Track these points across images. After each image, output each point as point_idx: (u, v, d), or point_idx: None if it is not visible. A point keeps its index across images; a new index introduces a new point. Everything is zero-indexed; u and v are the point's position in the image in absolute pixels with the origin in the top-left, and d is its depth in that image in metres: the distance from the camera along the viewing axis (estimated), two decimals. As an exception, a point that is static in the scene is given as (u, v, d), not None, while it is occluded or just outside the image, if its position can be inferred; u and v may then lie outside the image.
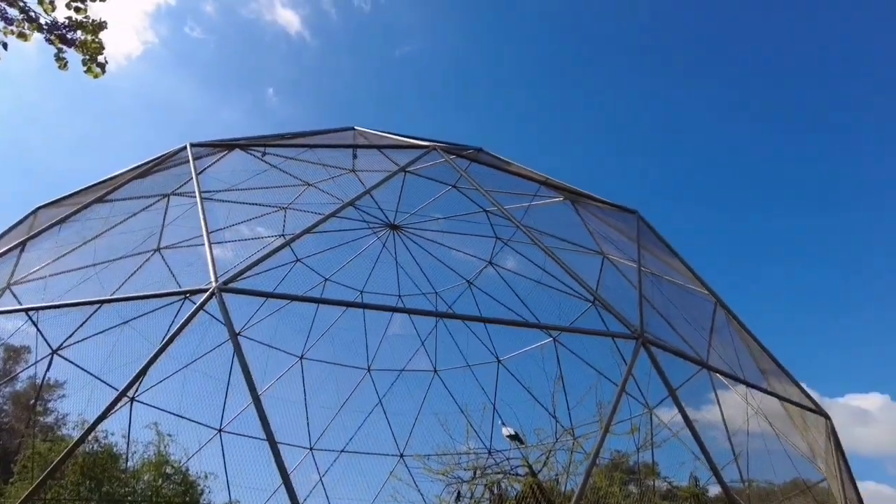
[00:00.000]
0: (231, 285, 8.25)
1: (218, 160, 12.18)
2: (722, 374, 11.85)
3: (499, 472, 9.53)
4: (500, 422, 12.43)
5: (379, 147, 10.95)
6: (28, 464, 10.86)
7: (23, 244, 12.26)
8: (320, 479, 18.80)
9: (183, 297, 10.50)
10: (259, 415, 7.75)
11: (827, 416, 12.33)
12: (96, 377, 16.53)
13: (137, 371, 8.72)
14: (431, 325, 20.18)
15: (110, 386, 16.30)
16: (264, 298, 15.29)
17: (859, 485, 12.57)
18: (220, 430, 18.82)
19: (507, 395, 19.25)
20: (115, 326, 15.69)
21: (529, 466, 9.42)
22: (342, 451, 20.25)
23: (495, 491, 9.41)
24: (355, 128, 13.58)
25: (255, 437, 18.14)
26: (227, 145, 11.77)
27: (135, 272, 15.02)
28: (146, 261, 15.36)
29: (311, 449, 18.90)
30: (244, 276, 8.64)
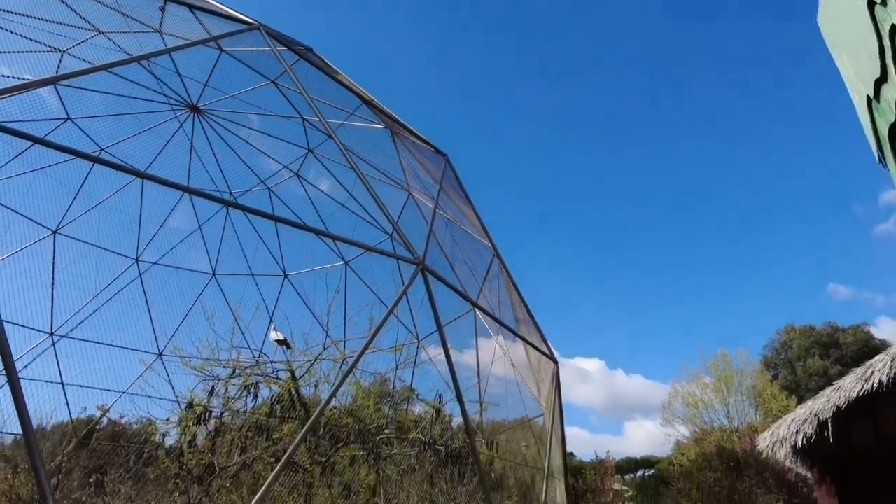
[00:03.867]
0: None
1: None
2: (486, 313, 13.30)
3: (258, 374, 9.56)
4: (272, 327, 12.36)
5: (193, 6, 9.55)
6: None
7: None
8: (58, 370, 16.72)
9: None
10: None
11: (556, 361, 14.80)
12: None
13: None
14: (219, 225, 18.89)
15: None
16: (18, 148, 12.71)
17: (569, 427, 15.47)
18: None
19: (286, 303, 19.17)
20: None
21: (292, 372, 9.62)
22: (93, 341, 18.26)
23: (252, 391, 9.45)
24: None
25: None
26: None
27: None
28: None
29: (51, 335, 16.65)
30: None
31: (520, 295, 14.84)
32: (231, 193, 19.00)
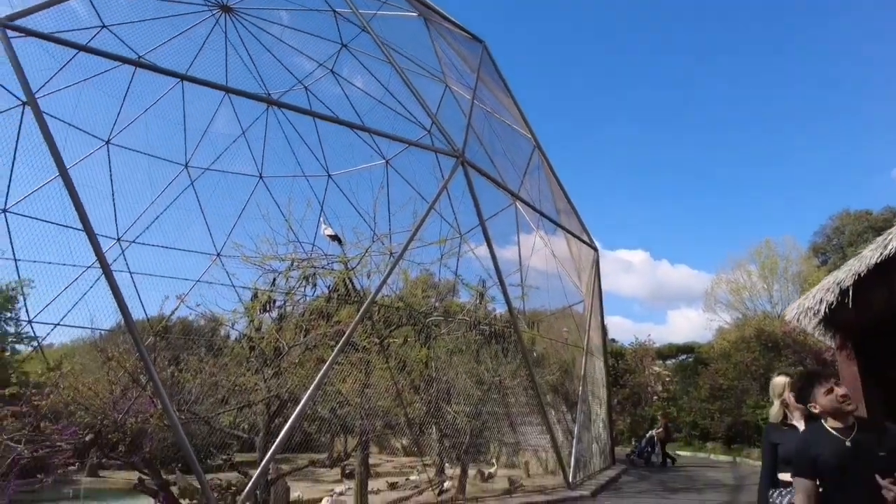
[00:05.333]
0: (18, 22, 6.81)
1: None
2: (527, 204, 13.47)
3: (315, 266, 10.23)
4: (323, 222, 12.95)
5: None
6: None
7: None
8: (129, 272, 18.09)
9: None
10: (73, 199, 7.13)
11: (596, 249, 15.07)
12: None
13: None
14: (261, 129, 19.16)
15: None
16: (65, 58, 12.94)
17: (611, 317, 16.01)
18: (3, 211, 16.74)
19: (334, 201, 19.82)
20: None
21: (345, 264, 10.24)
22: (155, 245, 19.52)
23: (310, 281, 10.18)
24: None
25: (47, 221, 16.52)
26: None
27: None
28: None
29: (118, 240, 17.88)
30: (32, 14, 7.17)
31: (560, 185, 14.83)
32: (269, 94, 19.04)
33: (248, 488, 7.72)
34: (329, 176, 20.12)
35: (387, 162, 18.37)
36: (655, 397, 22.84)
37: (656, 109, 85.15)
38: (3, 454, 7.08)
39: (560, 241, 14.98)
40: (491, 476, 13.53)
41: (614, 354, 23.94)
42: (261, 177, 20.53)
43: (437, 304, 12.11)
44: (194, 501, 7.85)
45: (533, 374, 10.66)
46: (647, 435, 18.56)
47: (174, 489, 8.11)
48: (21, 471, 7.23)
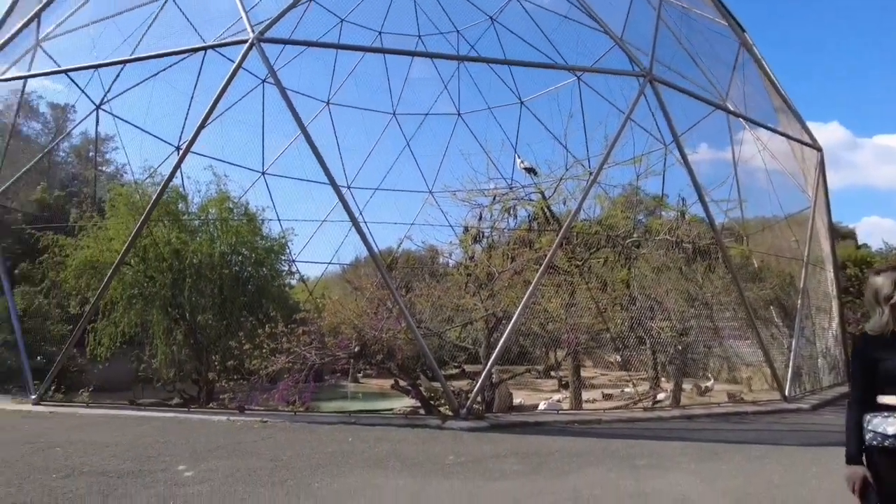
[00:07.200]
0: (267, 34, 8.68)
1: None
2: (734, 114, 12.39)
3: (514, 199, 11.10)
4: (517, 157, 13.63)
5: None
6: (115, 203, 12.73)
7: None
8: (360, 213, 21.08)
9: (210, 48, 10.92)
10: (316, 157, 8.95)
11: (819, 149, 13.20)
12: (141, 129, 17.90)
13: (197, 127, 9.83)
14: (454, 68, 20.21)
15: (156, 137, 17.79)
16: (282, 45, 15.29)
17: (865, 218, 14.05)
18: (263, 173, 20.82)
19: (527, 134, 20.33)
20: (147, 79, 16.36)
21: (542, 193, 10.90)
22: (376, 188, 22.45)
23: (511, 213, 11.13)
24: None
25: (295, 178, 20.12)
26: None
27: (152, 23, 14.78)
28: (161, 9, 14.96)
29: (348, 187, 20.95)
30: (277, 22, 8.96)
31: (774, 82, 13.15)
32: (458, 32, 19.86)
33: (475, 388, 9.27)
34: (521, 103, 20.52)
35: (578, 79, 17.98)
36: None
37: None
38: (301, 362, 9.58)
39: (777, 143, 13.41)
40: (708, 390, 13.53)
41: (857, 263, 20.86)
42: (458, 114, 21.87)
43: (636, 225, 12.13)
44: (439, 401, 9.70)
45: (741, 290, 10.27)
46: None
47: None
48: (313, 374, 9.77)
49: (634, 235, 11.41)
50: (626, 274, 10.90)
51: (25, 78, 13.60)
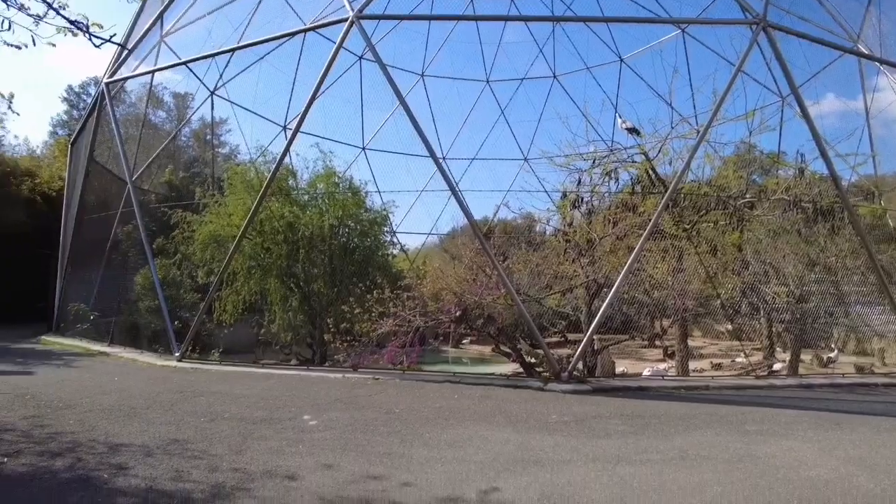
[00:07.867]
0: (365, 11, 9.00)
1: None
2: (868, 56, 11.16)
3: (616, 161, 10.73)
4: (618, 117, 13.11)
5: None
6: (232, 181, 13.94)
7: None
8: (457, 184, 21.36)
9: (311, 30, 11.42)
10: (416, 128, 9.22)
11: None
12: (251, 111, 19.28)
13: (304, 108, 10.45)
14: (549, 30, 19.67)
15: (265, 118, 19.05)
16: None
17: None
18: (363, 148, 21.65)
19: (627, 92, 19.42)
20: (254, 63, 17.52)
21: (645, 154, 10.44)
22: (472, 158, 22.60)
23: (613, 176, 10.78)
24: None
25: (393, 152, 20.73)
26: None
27: (255, 9, 15.62)
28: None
29: (444, 158, 21.24)
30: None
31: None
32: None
33: (577, 354, 9.28)
34: (621, 60, 19.60)
35: (683, 31, 16.87)
36: None
37: None
38: (407, 325, 10.05)
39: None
40: (831, 361, 12.55)
41: None
42: (554, 76, 21.32)
43: (749, 185, 11.33)
44: (540, 367, 9.82)
45: (871, 253, 9.34)
46: None
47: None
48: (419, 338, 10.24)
49: (748, 196, 10.67)
50: (739, 237, 10.26)
51: (153, 72, 15.05)
